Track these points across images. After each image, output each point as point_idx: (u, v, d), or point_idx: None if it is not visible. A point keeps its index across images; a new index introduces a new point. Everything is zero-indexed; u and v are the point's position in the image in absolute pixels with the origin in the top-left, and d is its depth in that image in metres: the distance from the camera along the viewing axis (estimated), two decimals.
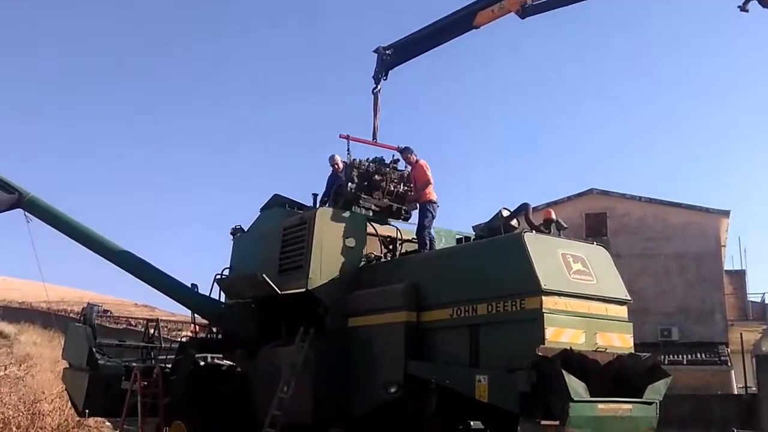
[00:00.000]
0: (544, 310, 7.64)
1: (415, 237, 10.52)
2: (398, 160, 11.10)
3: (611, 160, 71.92)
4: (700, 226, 27.46)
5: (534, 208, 9.72)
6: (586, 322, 8.02)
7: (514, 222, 9.64)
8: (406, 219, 11.16)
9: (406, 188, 11.03)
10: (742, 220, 56.92)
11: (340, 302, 9.82)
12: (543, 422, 7.35)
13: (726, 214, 27.63)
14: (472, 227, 10.30)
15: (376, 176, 10.82)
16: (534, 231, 8.75)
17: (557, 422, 7.25)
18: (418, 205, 10.63)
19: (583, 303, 8.09)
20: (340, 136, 10.81)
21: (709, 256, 27.20)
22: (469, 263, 8.79)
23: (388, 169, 10.94)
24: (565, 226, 9.40)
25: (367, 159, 11.00)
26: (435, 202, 10.45)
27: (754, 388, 20.22)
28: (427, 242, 10.19)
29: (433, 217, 10.42)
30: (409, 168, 10.92)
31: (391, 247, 10.86)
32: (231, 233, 12.18)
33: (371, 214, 10.79)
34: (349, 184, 10.62)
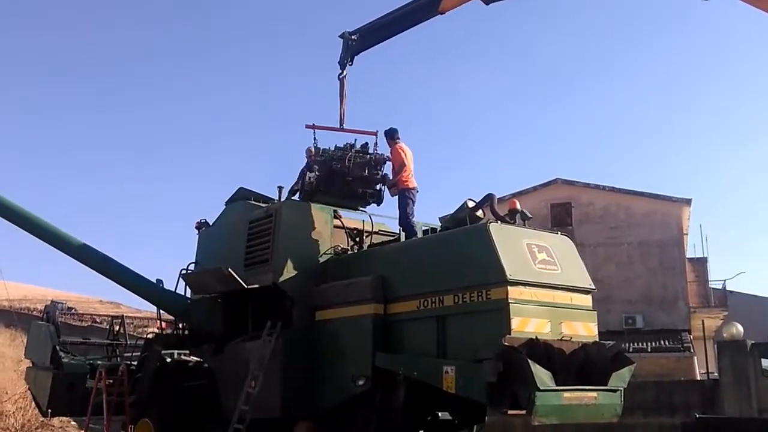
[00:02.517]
0: (509, 300, 7.67)
1: (399, 227, 10.48)
2: (366, 143, 11.08)
3: (576, 149, 72.62)
4: (663, 215, 27.87)
5: (499, 199, 9.70)
6: (552, 312, 8.06)
7: (479, 213, 9.64)
8: (378, 203, 11.14)
9: (374, 172, 10.96)
10: (704, 208, 57.88)
11: (307, 295, 9.77)
12: (510, 412, 7.40)
13: (688, 202, 28.08)
14: (439, 219, 10.23)
15: (339, 163, 10.79)
16: (499, 221, 8.76)
17: (524, 411, 7.28)
18: (396, 191, 10.51)
19: (548, 292, 8.13)
20: (306, 127, 10.83)
21: (672, 244, 27.65)
22: (435, 254, 8.79)
23: (352, 153, 10.89)
24: (530, 216, 9.36)
25: (336, 146, 10.96)
26: (413, 189, 10.38)
27: (715, 374, 20.58)
28: (412, 231, 10.18)
29: (413, 204, 10.35)
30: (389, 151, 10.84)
31: (357, 239, 10.81)
32: (196, 227, 12.07)
33: (334, 201, 10.79)
34: (308, 173, 10.58)
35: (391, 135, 10.65)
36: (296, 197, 10.99)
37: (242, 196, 11.48)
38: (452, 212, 9.81)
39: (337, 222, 10.59)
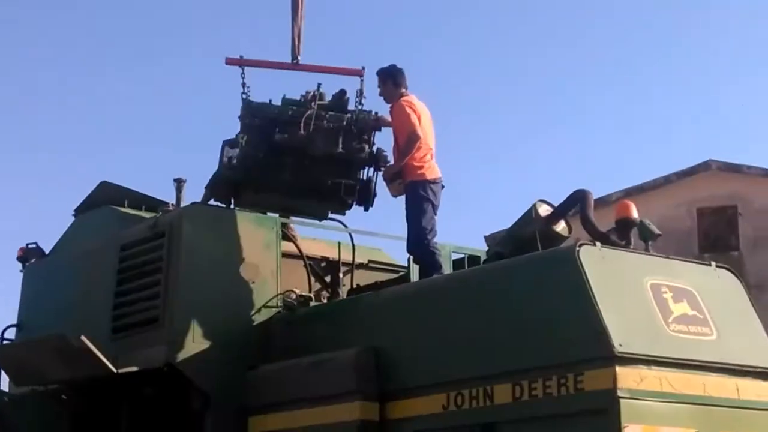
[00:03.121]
0: (619, 393, 7.59)
1: (408, 255, 10.67)
2: (343, 92, 11.21)
3: (742, 116, 71.92)
4: None
5: (599, 200, 10.00)
6: (702, 413, 8.03)
7: (560, 226, 9.78)
8: (366, 206, 11.26)
9: (357, 145, 11.04)
10: None
11: (232, 387, 9.81)
12: None
13: None
14: (484, 238, 10.35)
15: (286, 130, 10.78)
16: (598, 242, 8.67)
17: None
18: (403, 186, 10.66)
19: (695, 377, 8.12)
20: (227, 62, 10.98)
21: None
22: (477, 307, 8.83)
23: (313, 109, 10.87)
24: (658, 232, 9.41)
25: (284, 98, 11.09)
26: (432, 181, 10.56)
27: None
28: (433, 261, 10.33)
29: (435, 210, 10.53)
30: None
31: (329, 277, 10.97)
32: (19, 260, 12.24)
33: (282, 203, 11.06)
34: (226, 150, 10.77)
35: (393, 78, 10.81)
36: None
37: (106, 197, 11.57)
38: (510, 227, 9.94)
39: (288, 245, 10.67)
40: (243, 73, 11.03)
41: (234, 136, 10.87)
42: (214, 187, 11.14)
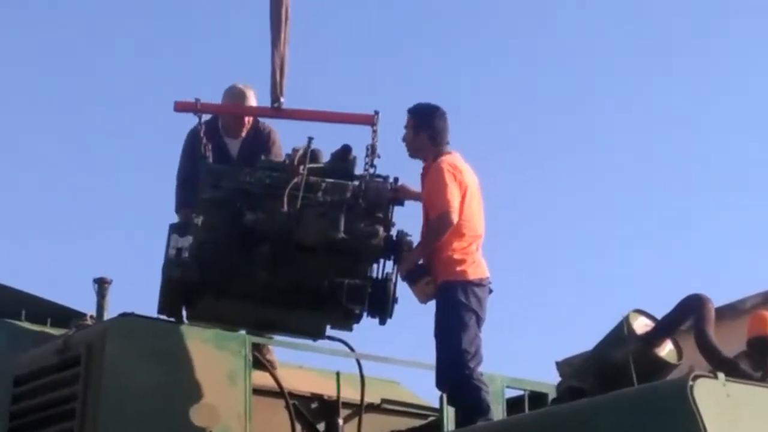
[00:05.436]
0: None
1: (440, 392, 9.98)
2: (347, 149, 10.20)
3: None
4: None
5: (725, 310, 9.29)
6: None
7: (665, 349, 9.03)
8: (383, 318, 10.16)
9: (369, 227, 9.93)
10: None
11: None
12: None
13: None
14: (556, 365, 10.16)
15: (257, 206, 9.80)
16: (721, 373, 7.49)
17: None
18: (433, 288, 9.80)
19: None
20: (176, 108, 10.20)
21: None
22: None
23: (302, 174, 9.82)
24: None
25: (263, 160, 10.36)
26: (479, 283, 9.77)
27: None
28: (476, 400, 9.57)
29: (479, 323, 9.72)
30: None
31: (323, 425, 10.38)
32: None
33: (252, 315, 10.15)
34: (174, 239, 9.65)
35: (432, 127, 10.00)
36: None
37: None
38: (591, 350, 9.49)
39: (263, 376, 9.97)
40: (200, 124, 10.19)
41: (183, 218, 10.14)
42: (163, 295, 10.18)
